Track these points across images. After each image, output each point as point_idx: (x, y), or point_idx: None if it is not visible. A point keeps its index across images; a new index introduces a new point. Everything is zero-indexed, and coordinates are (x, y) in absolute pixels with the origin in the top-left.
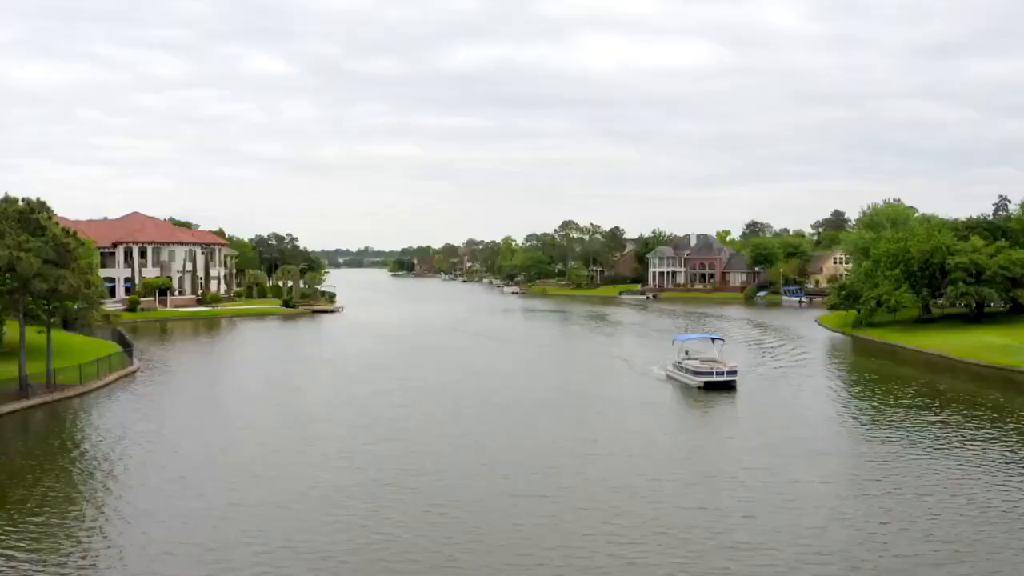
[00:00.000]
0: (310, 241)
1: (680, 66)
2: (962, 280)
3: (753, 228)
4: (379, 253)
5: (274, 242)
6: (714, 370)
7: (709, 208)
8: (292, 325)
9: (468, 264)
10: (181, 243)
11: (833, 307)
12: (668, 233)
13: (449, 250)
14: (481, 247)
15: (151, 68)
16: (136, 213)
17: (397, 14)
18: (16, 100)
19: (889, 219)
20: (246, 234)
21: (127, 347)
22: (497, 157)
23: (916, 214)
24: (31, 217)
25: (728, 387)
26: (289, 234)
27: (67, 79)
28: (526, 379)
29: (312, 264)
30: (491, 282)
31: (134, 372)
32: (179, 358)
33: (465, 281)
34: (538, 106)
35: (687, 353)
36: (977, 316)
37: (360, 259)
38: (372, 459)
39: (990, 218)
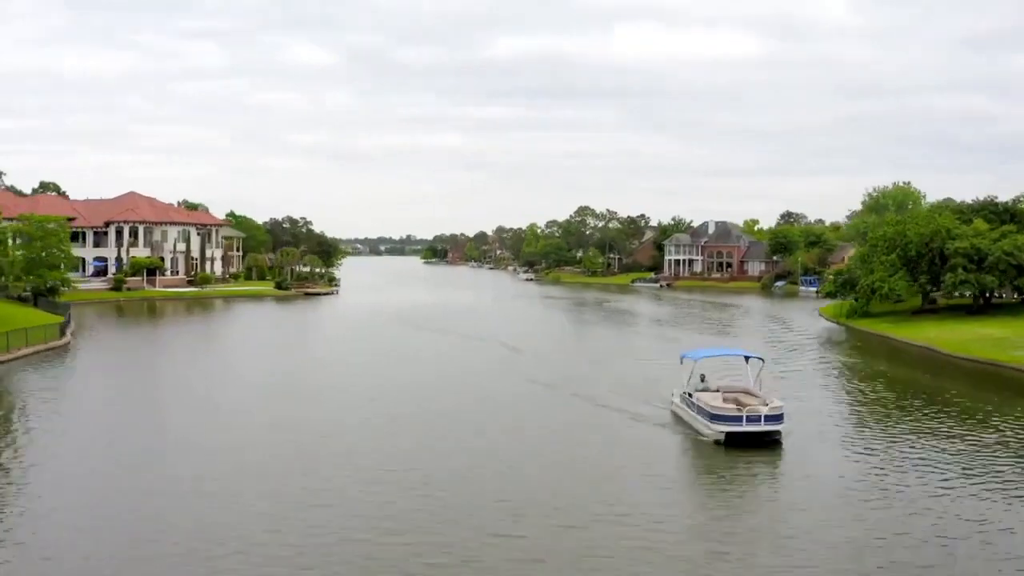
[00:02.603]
0: (352, 230)
1: (722, 57)
2: (962, 267)
3: (787, 219)
4: (420, 241)
5: (288, 225)
6: (745, 414)
7: (747, 200)
8: (273, 307)
9: (498, 251)
10: (174, 223)
11: (828, 295)
12: (688, 221)
13: (480, 238)
14: (508, 234)
15: (196, 57)
16: (132, 193)
17: (439, 4)
18: (65, 88)
19: (895, 202)
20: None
21: (66, 323)
22: (537, 148)
23: (925, 198)
24: None
25: (767, 443)
26: (303, 217)
27: (114, 67)
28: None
29: (327, 248)
30: (515, 269)
31: (60, 347)
32: (123, 336)
33: (491, 268)
34: (579, 97)
35: (703, 379)
36: (983, 307)
37: (402, 247)
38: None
39: (999, 200)
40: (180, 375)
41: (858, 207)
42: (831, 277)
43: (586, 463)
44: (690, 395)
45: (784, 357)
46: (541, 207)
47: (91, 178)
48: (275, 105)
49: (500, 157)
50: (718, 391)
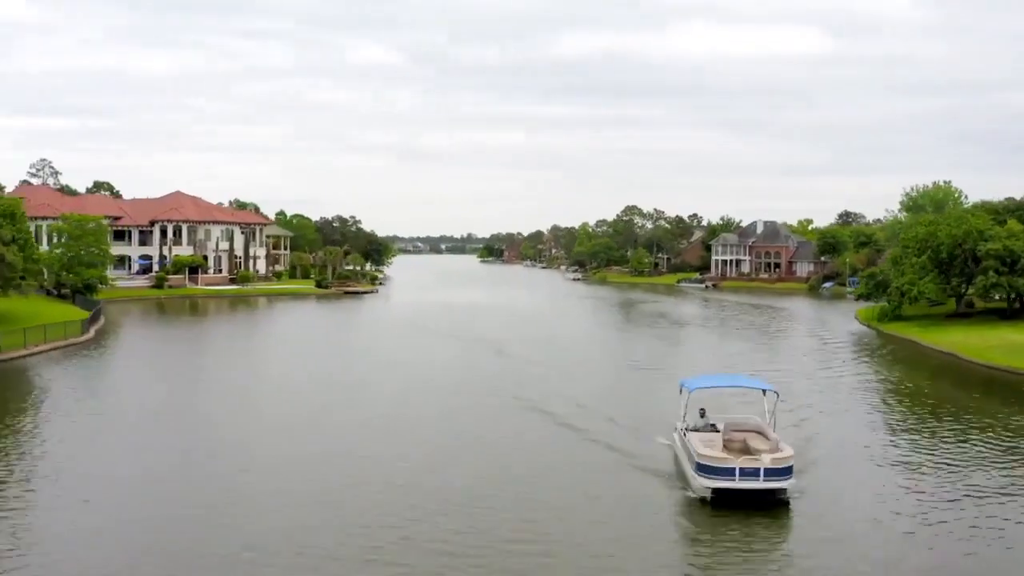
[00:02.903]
0: (413, 228)
1: (784, 54)
2: (994, 269)
3: (845, 219)
4: (480, 240)
5: (338, 224)
6: (738, 465)
7: (805, 199)
8: (306, 305)
9: (552, 251)
10: (217, 222)
11: (860, 297)
12: (737, 220)
13: (535, 236)
14: (562, 233)
15: (260, 57)
16: (178, 192)
17: (500, 3)
18: (130, 88)
19: (933, 202)
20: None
21: (92, 319)
22: (598, 146)
23: (965, 198)
24: None
25: (769, 501)
26: (352, 216)
27: (179, 67)
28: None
29: (377, 247)
30: (565, 268)
31: (81, 343)
32: (148, 332)
33: (544, 267)
34: (641, 95)
35: (703, 413)
36: (1017, 311)
37: (463, 246)
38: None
39: None
40: (187, 374)
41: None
42: (864, 279)
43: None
44: (687, 432)
45: (801, 368)
46: (598, 205)
47: (152, 177)
48: (339, 104)
49: (560, 155)
50: (717, 430)
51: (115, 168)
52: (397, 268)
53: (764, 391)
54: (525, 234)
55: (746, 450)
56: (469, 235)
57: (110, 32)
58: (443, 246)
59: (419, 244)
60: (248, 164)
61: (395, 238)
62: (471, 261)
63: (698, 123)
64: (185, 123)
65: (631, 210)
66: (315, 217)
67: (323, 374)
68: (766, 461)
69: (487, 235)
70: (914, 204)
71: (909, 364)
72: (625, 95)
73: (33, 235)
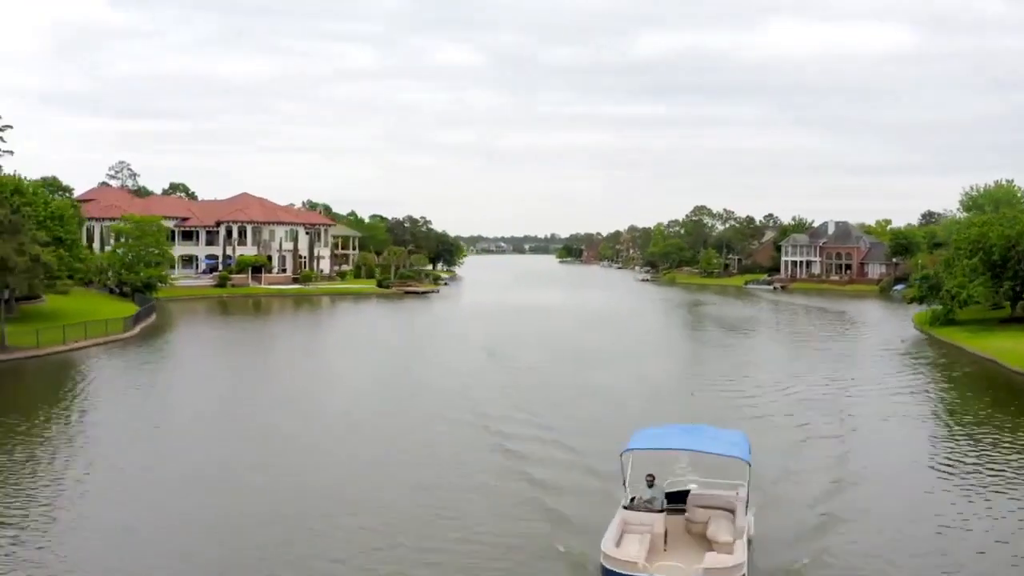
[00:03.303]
0: (497, 228)
1: (874, 51)
2: None
3: (929, 219)
4: (562, 240)
5: (408, 225)
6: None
7: (891, 198)
8: (362, 304)
9: (629, 251)
10: (281, 223)
11: (913, 300)
12: (809, 220)
13: (614, 237)
14: (639, 234)
15: (346, 60)
16: (245, 194)
17: (583, 3)
18: (220, 92)
19: (992, 202)
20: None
21: (138, 317)
22: (682, 145)
23: None
24: None
25: None
26: (423, 217)
27: (267, 72)
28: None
29: (448, 247)
30: (638, 269)
31: (121, 340)
32: (195, 331)
33: (619, 268)
34: (726, 94)
35: (651, 482)
36: None
37: (546, 245)
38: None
39: None
40: (220, 375)
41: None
42: (917, 282)
43: None
44: (627, 507)
45: (831, 375)
46: (678, 205)
47: (233, 178)
48: (422, 105)
49: (642, 155)
50: (660, 510)
51: (196, 170)
52: (470, 268)
53: (749, 464)
54: (604, 234)
55: (705, 540)
56: (552, 235)
57: (198, 38)
58: (527, 246)
59: (502, 244)
60: (332, 166)
61: (479, 238)
62: (550, 261)
63: (783, 122)
64: (269, 125)
65: (700, 210)
66: (401, 217)
67: (348, 374)
68: (696, 571)
69: (569, 235)
70: (974, 204)
71: (940, 368)
72: (708, 94)
73: (98, 236)
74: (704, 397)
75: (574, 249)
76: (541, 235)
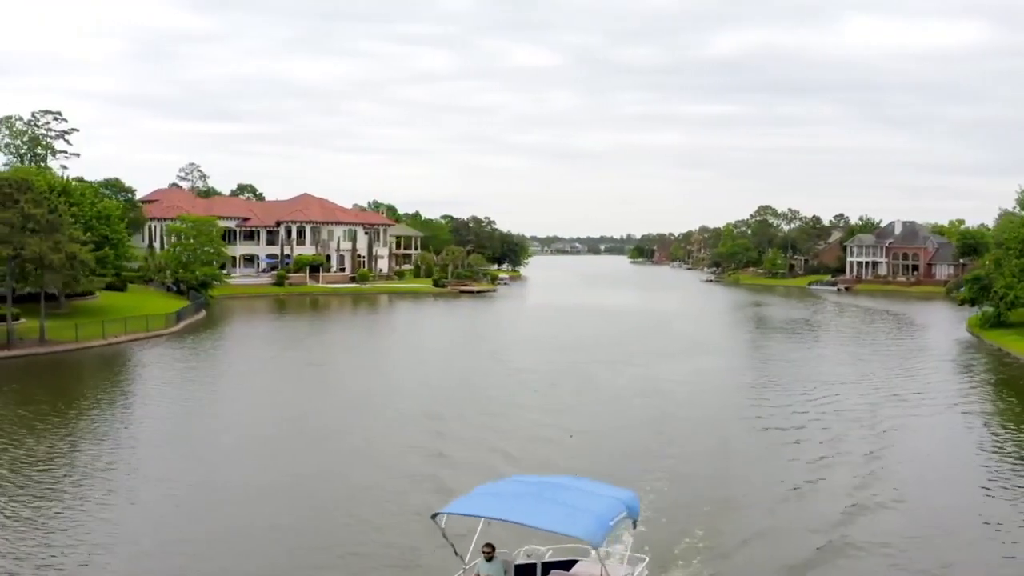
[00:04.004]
0: (573, 228)
1: (951, 48)
2: None
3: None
4: (637, 240)
5: (472, 225)
6: None
7: (968, 198)
8: (416, 304)
9: (699, 252)
10: (340, 223)
11: (964, 302)
12: (877, 220)
13: (685, 237)
14: (709, 234)
15: (418, 63)
16: (306, 194)
17: (656, 2)
18: (295, 95)
19: None
20: (507, 222)
21: (183, 313)
22: (758, 144)
23: None
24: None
25: None
26: (487, 217)
27: (339, 74)
28: None
29: (513, 247)
30: (705, 269)
31: (162, 335)
32: (241, 328)
33: (689, 268)
34: (801, 92)
35: (489, 556)
36: None
37: (621, 246)
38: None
39: None
40: (248, 371)
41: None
42: (968, 283)
43: None
44: None
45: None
46: (750, 205)
47: (310, 179)
48: (498, 106)
49: (718, 155)
50: None
51: (269, 171)
52: (535, 269)
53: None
54: (677, 235)
55: None
56: (628, 236)
57: (275, 42)
58: (602, 247)
59: (577, 245)
60: (406, 167)
61: (555, 239)
62: (621, 262)
63: (858, 120)
64: (343, 127)
65: (764, 210)
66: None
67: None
68: None
69: (642, 236)
70: None
71: (978, 371)
72: (783, 93)
73: (158, 236)
74: (708, 398)
75: (646, 250)
76: (617, 235)
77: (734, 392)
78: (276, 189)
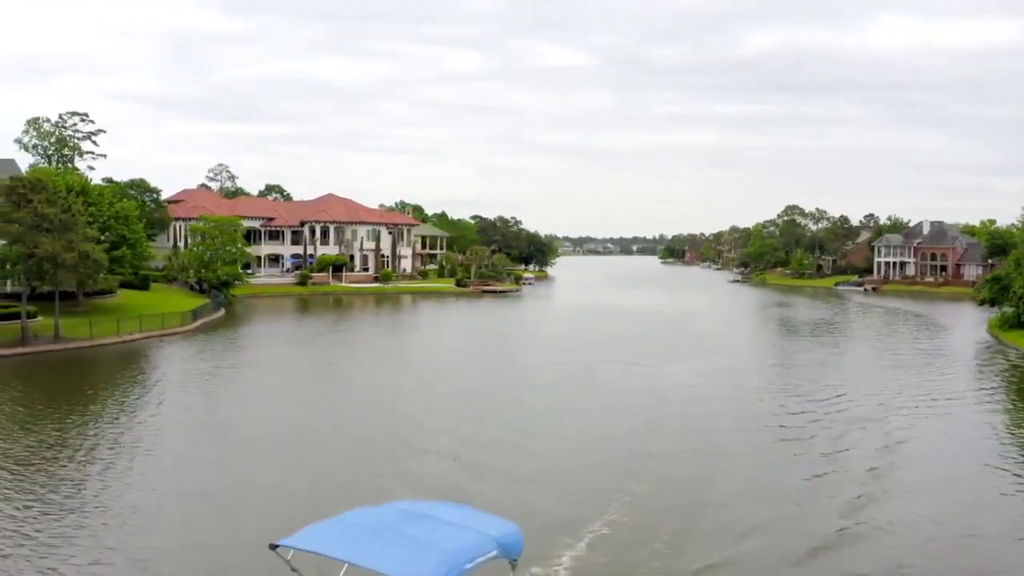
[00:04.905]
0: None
1: (980, 47)
2: None
3: None
4: (668, 241)
5: (499, 224)
6: None
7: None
8: (436, 303)
9: (729, 252)
10: (363, 223)
11: (982, 303)
12: (906, 220)
13: (716, 237)
14: (739, 234)
15: (445, 63)
16: (330, 195)
17: (683, 3)
18: (324, 96)
19: None
20: (538, 222)
21: (199, 312)
22: (787, 144)
23: None
24: (19, 191)
25: None
26: (513, 217)
27: (366, 75)
28: None
29: (540, 247)
30: (734, 269)
31: (177, 333)
32: (257, 327)
33: (719, 269)
34: (830, 92)
35: None
36: None
37: (653, 246)
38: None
39: None
40: (255, 370)
41: None
42: (987, 283)
43: None
44: None
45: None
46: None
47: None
48: (527, 106)
49: (748, 155)
50: None
51: (297, 171)
52: (563, 269)
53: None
54: (707, 235)
55: None
56: (660, 236)
57: (304, 44)
58: (634, 247)
59: (609, 245)
60: (435, 167)
61: (587, 239)
62: (652, 262)
63: (887, 120)
64: (370, 128)
65: (792, 210)
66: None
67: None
68: None
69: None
70: None
71: (989, 376)
72: (815, 92)
73: (182, 235)
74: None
75: (676, 250)
76: (649, 236)
77: (734, 392)
78: (303, 190)
